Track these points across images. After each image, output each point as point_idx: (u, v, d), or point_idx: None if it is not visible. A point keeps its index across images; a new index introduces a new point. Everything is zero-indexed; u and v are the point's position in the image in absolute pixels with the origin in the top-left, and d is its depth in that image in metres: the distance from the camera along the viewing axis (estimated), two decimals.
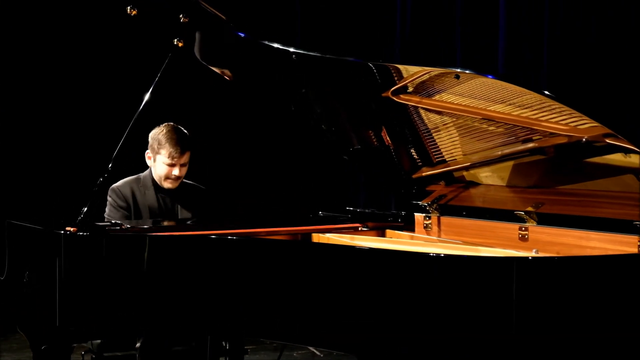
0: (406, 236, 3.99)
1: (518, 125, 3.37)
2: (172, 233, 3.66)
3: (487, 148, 3.61)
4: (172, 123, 4.07)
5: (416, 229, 4.09)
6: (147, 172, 4.12)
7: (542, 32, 4.94)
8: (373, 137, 3.98)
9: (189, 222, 4.02)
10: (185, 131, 4.05)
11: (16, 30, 5.97)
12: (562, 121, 3.20)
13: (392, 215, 4.22)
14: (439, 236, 3.97)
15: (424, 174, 3.98)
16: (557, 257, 3.24)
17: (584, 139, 3.18)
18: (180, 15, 3.67)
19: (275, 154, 6.35)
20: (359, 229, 4.08)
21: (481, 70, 3.29)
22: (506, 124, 3.41)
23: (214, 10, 3.67)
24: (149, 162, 4.09)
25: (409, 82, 3.53)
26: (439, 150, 3.84)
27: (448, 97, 3.51)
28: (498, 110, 3.37)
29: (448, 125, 3.68)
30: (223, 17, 3.69)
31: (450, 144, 3.76)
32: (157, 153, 4.02)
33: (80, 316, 3.44)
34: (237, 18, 3.78)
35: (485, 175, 3.80)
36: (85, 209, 3.50)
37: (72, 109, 6.08)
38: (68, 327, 3.47)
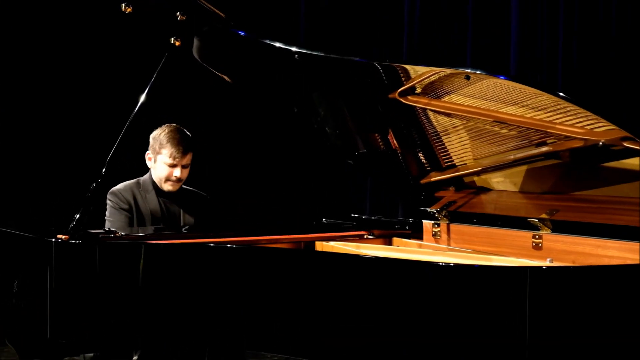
0: (414, 244, 3.98)
1: (531, 128, 3.37)
2: (168, 241, 3.65)
3: (499, 152, 3.60)
4: (174, 124, 4.08)
5: (424, 237, 4.08)
6: (146, 175, 4.12)
7: (556, 29, 4.93)
8: (379, 140, 3.98)
9: (185, 230, 4.01)
10: (188, 133, 4.06)
11: (4, 29, 5.97)
12: (577, 124, 3.19)
13: (399, 222, 4.22)
14: (449, 245, 3.96)
15: (432, 179, 3.98)
16: (573, 266, 3.23)
17: (600, 143, 3.17)
18: (177, 13, 3.67)
19: (276, 158, 6.34)
20: (365, 236, 4.07)
21: (492, 70, 3.29)
22: (519, 126, 3.40)
23: (212, 8, 3.67)
24: (149, 163, 4.09)
25: (417, 83, 3.52)
26: (449, 154, 3.83)
27: (458, 99, 3.50)
28: (510, 112, 3.37)
29: (458, 128, 3.67)
30: (222, 14, 3.69)
31: (460, 148, 3.76)
32: (158, 153, 4.02)
33: (72, 328, 3.44)
34: (237, 16, 3.78)
35: (497, 181, 3.80)
36: (78, 215, 3.50)
37: (64, 110, 6.07)
38: (59, 340, 3.46)
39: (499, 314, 2.78)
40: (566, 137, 3.27)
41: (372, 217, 4.31)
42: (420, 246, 3.95)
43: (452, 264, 2.98)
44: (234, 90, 4.40)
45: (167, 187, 4.05)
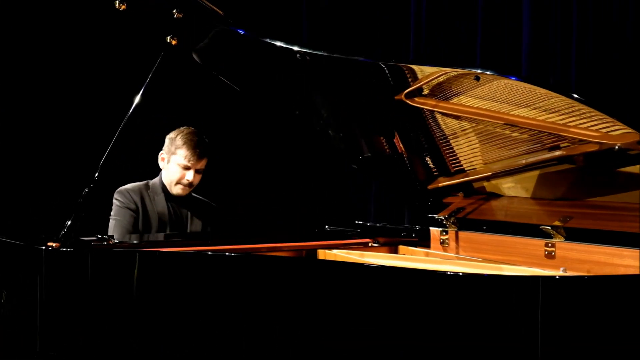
0: (421, 253, 3.98)
1: (544, 132, 3.37)
2: (165, 249, 3.65)
3: (510, 156, 3.60)
4: (191, 127, 4.15)
5: (432, 244, 4.08)
6: (156, 178, 4.19)
7: (570, 28, 4.93)
8: (385, 144, 3.97)
9: (182, 237, 4.02)
10: (206, 139, 4.10)
11: None
12: (592, 127, 3.19)
13: (405, 229, 4.22)
14: (457, 253, 3.96)
15: (440, 184, 3.98)
16: (587, 276, 3.22)
17: (616, 147, 3.16)
18: (174, 11, 3.67)
19: (277, 162, 6.34)
20: (369, 244, 4.08)
21: (503, 71, 3.28)
22: (531, 129, 3.40)
23: (210, 5, 3.67)
24: (161, 164, 4.16)
25: (424, 84, 3.52)
26: (457, 158, 3.83)
27: (467, 101, 3.50)
28: (522, 114, 3.36)
29: (467, 131, 3.67)
30: (220, 12, 3.69)
31: (469, 152, 3.76)
32: (173, 154, 4.09)
33: (63, 340, 3.43)
34: (237, 15, 3.78)
35: (507, 186, 3.79)
36: (69, 222, 3.50)
37: (55, 112, 6.06)
38: (49, 353, 3.46)
39: (510, 326, 2.77)
40: (580, 140, 3.27)
41: (377, 224, 4.31)
42: (427, 255, 3.95)
43: (460, 274, 2.98)
44: (233, 91, 4.40)
45: (176, 190, 4.10)
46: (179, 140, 4.09)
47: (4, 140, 6.04)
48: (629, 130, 3.07)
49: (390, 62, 3.56)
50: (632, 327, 2.78)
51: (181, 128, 4.14)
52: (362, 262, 3.60)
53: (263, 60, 3.85)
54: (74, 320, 3.42)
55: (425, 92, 3.58)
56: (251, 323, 3.21)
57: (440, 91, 3.53)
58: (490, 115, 3.47)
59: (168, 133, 4.20)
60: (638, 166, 3.20)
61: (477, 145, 3.70)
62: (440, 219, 4.05)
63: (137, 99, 3.70)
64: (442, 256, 3.91)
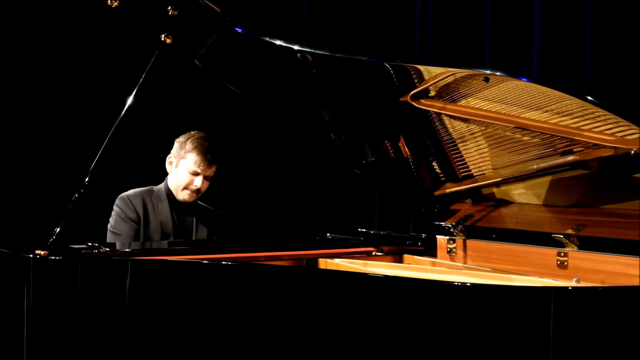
0: (427, 262, 3.98)
1: (556, 135, 3.37)
2: (159, 257, 3.65)
3: (521, 161, 3.60)
4: (202, 132, 4.17)
5: (438, 254, 4.08)
6: (161, 184, 4.20)
7: (584, 27, 4.93)
8: (389, 148, 3.98)
9: (178, 245, 4.02)
10: (217, 145, 4.12)
11: None
12: (607, 130, 3.19)
13: (410, 238, 4.22)
14: (465, 262, 3.96)
15: (447, 190, 3.98)
16: (602, 287, 3.22)
17: (632, 152, 3.17)
18: (169, 8, 3.68)
19: (276, 166, 6.34)
20: (373, 253, 4.07)
21: (514, 72, 3.28)
22: (543, 133, 3.40)
23: (207, 2, 3.67)
24: (169, 168, 4.17)
25: (431, 85, 3.52)
26: (465, 163, 3.83)
27: (476, 103, 3.51)
28: (533, 117, 3.37)
29: (476, 135, 3.67)
30: (217, 9, 3.70)
31: (478, 157, 3.76)
32: (182, 158, 4.11)
33: (51, 351, 3.43)
34: (235, 13, 3.78)
35: (518, 193, 3.79)
36: (58, 229, 3.50)
37: (42, 113, 6.06)
38: None
39: (521, 340, 2.77)
40: (594, 145, 3.27)
41: (381, 232, 4.31)
42: (433, 264, 3.95)
43: (468, 284, 2.97)
44: (231, 92, 4.41)
45: (183, 196, 4.11)
46: (189, 145, 4.10)
47: None
48: None
49: (396, 62, 3.57)
50: None
51: (191, 132, 4.16)
52: (366, 272, 3.59)
53: (262, 61, 3.85)
54: (62, 331, 3.41)
55: (432, 93, 3.59)
56: (249, 336, 3.21)
57: (447, 93, 3.54)
58: (500, 118, 3.48)
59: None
60: None
61: (486, 149, 3.70)
62: (448, 226, 4.04)
63: (130, 100, 3.70)
64: (449, 266, 3.90)
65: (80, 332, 3.41)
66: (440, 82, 3.48)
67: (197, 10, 3.71)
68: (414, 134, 3.86)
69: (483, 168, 3.79)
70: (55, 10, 5.87)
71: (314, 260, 3.90)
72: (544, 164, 3.53)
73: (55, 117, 6.05)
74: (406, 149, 3.93)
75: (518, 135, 3.52)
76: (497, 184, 3.81)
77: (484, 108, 3.50)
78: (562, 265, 3.54)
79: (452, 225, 4.03)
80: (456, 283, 3.00)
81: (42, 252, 3.44)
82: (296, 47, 3.64)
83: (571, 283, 3.34)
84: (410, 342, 2.92)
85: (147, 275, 3.41)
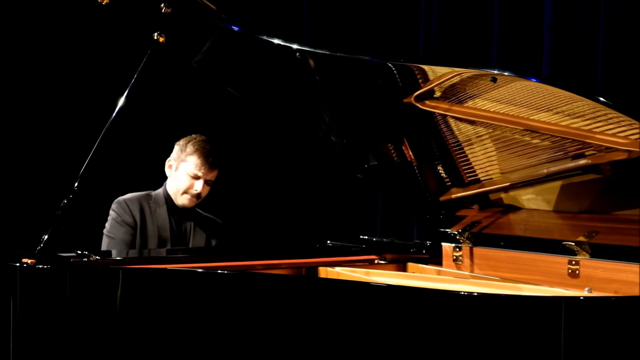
0: (432, 271, 3.98)
1: (567, 138, 3.37)
2: (152, 266, 3.65)
3: (530, 165, 3.60)
4: (203, 136, 4.20)
5: (444, 262, 4.07)
6: (159, 189, 4.22)
7: (596, 25, 4.93)
8: (392, 151, 3.97)
9: (173, 253, 4.02)
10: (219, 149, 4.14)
11: None
12: (620, 133, 3.19)
13: (415, 245, 4.22)
14: (472, 271, 3.96)
15: (453, 196, 3.98)
16: (615, 297, 3.22)
17: None
18: (162, 5, 3.68)
19: (274, 170, 6.34)
20: (375, 261, 4.08)
21: (522, 72, 3.28)
22: (553, 136, 3.40)
23: None
24: (168, 171, 4.20)
25: (436, 86, 3.52)
26: (472, 167, 3.83)
27: (483, 104, 3.50)
28: (543, 119, 3.37)
29: (483, 138, 3.67)
30: (213, 7, 3.70)
31: (485, 160, 3.76)
32: (183, 160, 4.13)
33: None
34: (233, 11, 3.78)
35: (527, 198, 3.79)
36: (46, 237, 3.50)
37: (29, 115, 6.06)
38: None
39: (530, 352, 2.77)
40: (607, 148, 3.27)
41: (384, 240, 4.32)
42: (439, 273, 3.95)
43: (475, 294, 2.97)
44: (229, 93, 4.41)
45: (182, 200, 4.14)
46: (191, 147, 4.13)
47: None
48: None
49: (399, 61, 3.57)
50: None
51: (192, 135, 4.19)
52: (368, 281, 3.59)
53: (260, 60, 3.85)
54: (50, 343, 3.41)
55: (437, 94, 3.58)
56: (246, 348, 3.20)
57: (453, 94, 3.54)
58: (508, 120, 3.47)
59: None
60: None
61: (493, 153, 3.70)
62: (454, 233, 4.04)
63: (122, 101, 3.70)
64: (455, 275, 3.90)
65: (69, 344, 3.41)
66: (445, 83, 3.47)
67: (191, 8, 3.71)
68: (418, 136, 3.86)
69: (490, 172, 3.79)
70: (42, 8, 5.87)
71: (313, 268, 3.90)
72: (554, 168, 3.53)
73: (43, 121, 6.05)
74: (410, 153, 3.93)
75: (527, 138, 3.51)
76: (505, 189, 3.81)
77: (492, 109, 3.50)
78: (573, 274, 3.54)
79: (459, 232, 4.02)
80: (463, 293, 2.99)
81: (29, 261, 3.44)
82: (295, 46, 3.64)
83: (583, 293, 3.34)
84: (415, 355, 2.91)
85: (139, 284, 3.41)
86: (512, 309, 2.84)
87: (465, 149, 3.78)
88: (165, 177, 4.22)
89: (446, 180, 3.96)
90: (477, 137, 3.69)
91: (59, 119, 6.05)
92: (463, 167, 3.86)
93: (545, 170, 3.57)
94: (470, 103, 3.54)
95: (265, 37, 3.67)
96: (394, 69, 3.55)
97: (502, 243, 3.91)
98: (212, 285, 3.31)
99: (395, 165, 4.01)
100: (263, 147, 6.23)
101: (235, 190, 6.32)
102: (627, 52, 4.83)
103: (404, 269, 4.08)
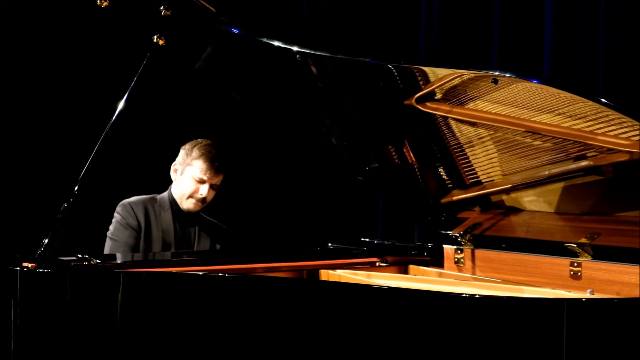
0: (433, 273, 3.98)
1: (569, 140, 3.37)
2: (153, 269, 3.65)
3: (532, 167, 3.60)
4: (209, 140, 4.22)
5: (445, 264, 4.08)
6: (164, 193, 4.24)
7: (597, 25, 4.93)
8: (393, 153, 3.98)
9: (174, 256, 4.03)
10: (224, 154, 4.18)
11: None
12: (622, 134, 3.19)
13: (416, 247, 4.22)
14: (474, 273, 3.96)
15: (454, 198, 3.98)
16: (617, 298, 3.22)
17: None
18: (161, 8, 3.68)
19: (274, 173, 6.33)
20: (377, 264, 4.07)
21: (524, 73, 3.29)
22: (554, 137, 3.41)
23: (201, 2, 3.68)
24: (173, 175, 4.22)
25: (436, 88, 3.53)
26: (474, 169, 3.83)
27: (484, 106, 3.51)
28: (545, 121, 3.37)
29: (484, 140, 3.67)
30: (212, 9, 3.70)
31: (486, 162, 3.76)
32: (189, 165, 4.16)
33: None
34: (232, 13, 3.79)
35: (529, 200, 3.79)
36: (47, 240, 3.50)
37: (30, 119, 6.06)
38: None
39: (532, 353, 2.77)
40: (609, 149, 3.27)
41: (385, 242, 4.31)
42: (440, 275, 3.95)
43: (477, 296, 2.97)
44: (228, 95, 4.41)
45: (187, 205, 4.15)
46: (196, 152, 4.15)
47: None
48: None
49: (400, 63, 3.57)
50: None
51: (198, 139, 4.21)
52: (369, 284, 3.59)
53: (260, 63, 3.86)
54: (51, 347, 3.41)
55: (438, 96, 3.59)
56: (247, 351, 3.21)
57: (454, 95, 3.54)
58: (510, 121, 3.48)
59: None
60: None
61: (495, 154, 3.70)
62: (455, 236, 4.04)
63: (121, 104, 3.70)
64: (457, 277, 3.90)
65: (70, 348, 3.41)
66: (446, 84, 3.48)
67: (191, 10, 3.72)
68: (419, 138, 3.87)
69: (492, 174, 3.79)
70: (42, 10, 5.87)
71: (315, 271, 3.90)
72: (556, 169, 3.53)
73: (43, 124, 6.05)
74: (411, 155, 3.93)
75: (528, 140, 3.52)
76: (506, 191, 3.81)
77: (493, 111, 3.50)
78: (575, 276, 3.54)
79: (460, 234, 4.03)
80: (464, 295, 2.99)
81: (29, 265, 3.44)
82: (295, 48, 3.64)
83: (585, 294, 3.34)
84: (417, 357, 2.92)
85: (140, 287, 3.41)
86: (514, 311, 2.84)
87: (467, 150, 3.78)
88: (170, 181, 4.23)
89: (447, 182, 3.96)
90: (479, 138, 3.69)
91: (59, 122, 6.05)
92: (464, 169, 3.87)
93: (546, 172, 3.57)
94: (471, 105, 3.54)
95: (265, 39, 3.67)
96: (394, 70, 3.55)
97: (503, 245, 3.91)
98: (213, 288, 3.32)
99: (396, 168, 4.01)
100: (263, 147, 6.23)
101: (236, 193, 6.32)
102: (628, 53, 4.84)
103: (406, 272, 4.08)
